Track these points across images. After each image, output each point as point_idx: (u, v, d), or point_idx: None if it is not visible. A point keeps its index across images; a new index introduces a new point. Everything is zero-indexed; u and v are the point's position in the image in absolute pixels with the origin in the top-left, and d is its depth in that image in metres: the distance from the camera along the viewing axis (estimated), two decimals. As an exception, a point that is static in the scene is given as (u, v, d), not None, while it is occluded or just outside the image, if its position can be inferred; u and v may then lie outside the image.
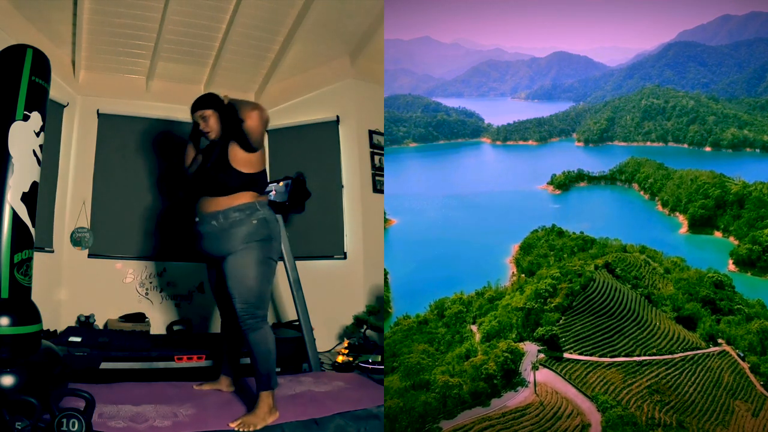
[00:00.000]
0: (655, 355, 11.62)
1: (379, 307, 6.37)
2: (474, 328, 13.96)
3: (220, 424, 3.50)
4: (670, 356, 11.64)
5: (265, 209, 3.77)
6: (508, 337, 12.09)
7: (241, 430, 3.45)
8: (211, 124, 3.78)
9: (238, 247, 3.63)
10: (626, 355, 11.55)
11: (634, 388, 10.62)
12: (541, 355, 11.33)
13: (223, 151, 3.71)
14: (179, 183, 6.63)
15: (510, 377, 10.69)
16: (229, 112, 3.64)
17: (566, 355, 11.41)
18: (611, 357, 11.48)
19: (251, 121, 3.48)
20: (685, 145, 39.41)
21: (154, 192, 6.81)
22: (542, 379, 10.74)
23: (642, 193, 29.60)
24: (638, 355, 11.56)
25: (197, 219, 3.78)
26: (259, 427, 3.51)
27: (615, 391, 10.49)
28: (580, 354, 11.49)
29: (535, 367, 10.93)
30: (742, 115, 39.90)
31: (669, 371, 11.21)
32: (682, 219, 24.99)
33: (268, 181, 4.34)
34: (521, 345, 11.63)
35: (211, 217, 3.69)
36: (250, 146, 3.61)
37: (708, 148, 38.26)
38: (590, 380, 10.76)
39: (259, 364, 3.66)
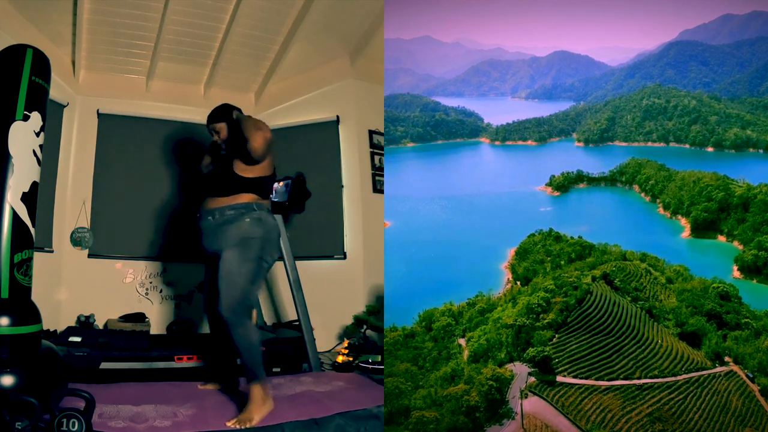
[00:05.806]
0: (656, 377, 10.66)
1: (379, 307, 6.37)
2: (463, 342, 13.30)
3: (220, 424, 3.50)
4: (673, 378, 10.66)
5: (263, 210, 3.90)
6: (497, 356, 11.23)
7: (237, 427, 3.46)
8: (222, 136, 4.05)
9: (230, 245, 3.75)
10: (625, 378, 10.61)
11: (634, 415, 9.72)
12: (532, 379, 10.40)
13: (228, 156, 3.94)
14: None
15: (495, 408, 9.69)
16: (235, 127, 3.86)
17: (559, 378, 10.46)
18: (609, 380, 10.54)
19: (255, 143, 3.66)
20: (687, 146, 39.10)
21: (154, 192, 6.81)
22: (532, 409, 9.74)
23: (643, 195, 29.29)
24: (638, 378, 10.63)
25: (198, 215, 3.99)
26: (255, 421, 3.52)
27: (613, 419, 9.56)
28: (574, 377, 10.56)
29: (523, 395, 9.97)
30: (745, 114, 39.60)
31: (672, 395, 10.23)
32: (684, 222, 24.55)
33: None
34: (510, 367, 10.73)
35: (208, 213, 3.91)
36: (252, 161, 3.80)
37: (710, 149, 37.92)
38: (585, 407, 9.81)
39: (244, 358, 3.75)
